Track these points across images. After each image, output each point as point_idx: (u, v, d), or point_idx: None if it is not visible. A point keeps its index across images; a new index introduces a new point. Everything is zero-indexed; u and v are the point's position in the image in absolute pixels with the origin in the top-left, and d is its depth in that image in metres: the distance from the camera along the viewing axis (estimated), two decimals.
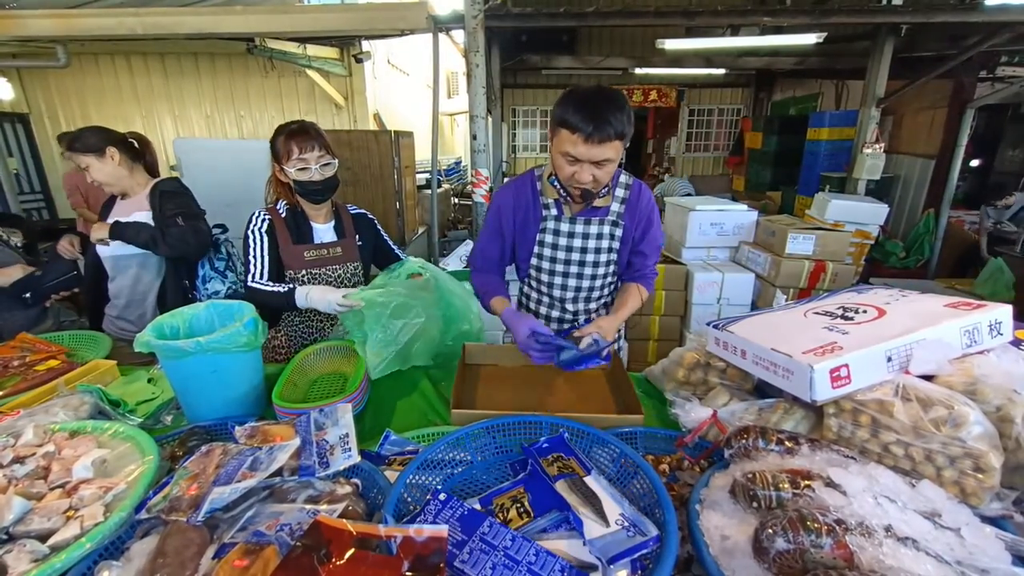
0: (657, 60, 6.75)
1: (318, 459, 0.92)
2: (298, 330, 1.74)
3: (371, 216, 1.81)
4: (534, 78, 8.09)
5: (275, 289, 1.50)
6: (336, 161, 1.57)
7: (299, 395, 1.31)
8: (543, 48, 6.88)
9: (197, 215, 1.86)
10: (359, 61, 5.77)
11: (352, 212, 1.76)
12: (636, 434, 1.10)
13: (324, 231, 1.66)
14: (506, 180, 1.68)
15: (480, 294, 1.51)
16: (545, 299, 1.59)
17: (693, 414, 1.08)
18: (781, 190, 6.87)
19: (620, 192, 1.41)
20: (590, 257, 1.45)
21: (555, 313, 1.59)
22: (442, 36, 4.43)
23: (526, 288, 1.64)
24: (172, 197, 1.84)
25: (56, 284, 1.78)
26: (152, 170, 1.94)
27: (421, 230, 5.22)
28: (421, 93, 7.99)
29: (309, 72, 5.62)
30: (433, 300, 1.45)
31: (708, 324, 1.21)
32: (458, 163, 7.73)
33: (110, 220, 1.80)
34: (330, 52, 5.65)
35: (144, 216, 1.82)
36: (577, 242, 1.43)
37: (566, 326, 1.59)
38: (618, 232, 1.43)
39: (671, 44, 5.24)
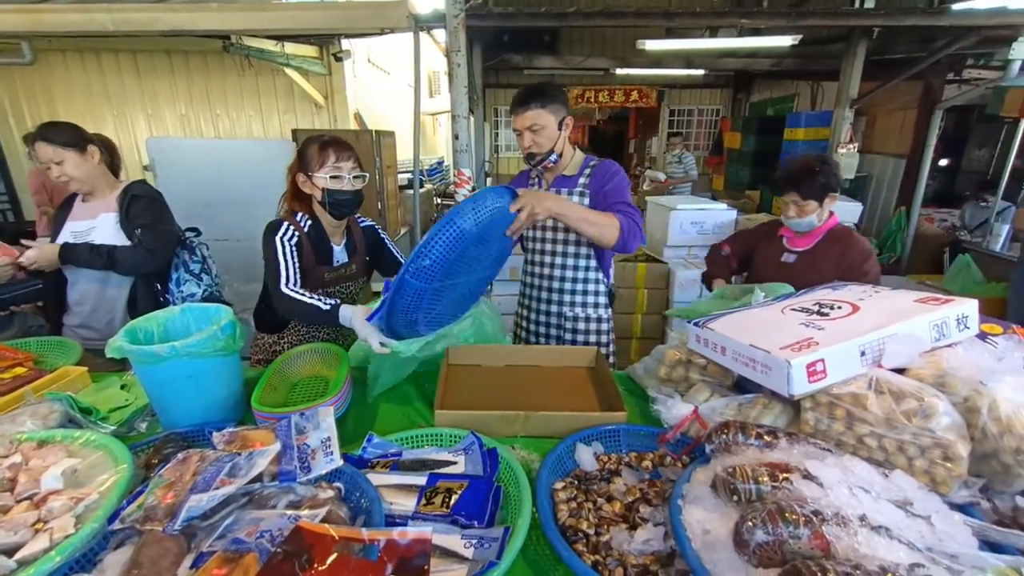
0: (638, 61, 6.82)
1: (299, 463, 0.90)
2: (304, 340, 1.68)
3: (378, 227, 1.81)
4: (516, 78, 8.09)
5: (315, 303, 1.39)
6: (367, 176, 1.57)
7: (279, 399, 1.28)
8: (525, 48, 6.89)
9: (160, 224, 1.80)
10: (339, 60, 5.69)
11: (361, 225, 1.76)
12: (619, 431, 1.11)
13: (340, 252, 1.66)
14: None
15: None
16: (545, 279, 1.80)
17: (675, 411, 1.09)
18: (760, 189, 7.00)
19: (588, 169, 1.69)
20: (561, 222, 1.63)
21: (554, 305, 1.81)
22: (423, 35, 4.40)
23: (527, 267, 1.86)
24: (138, 202, 1.79)
25: (14, 296, 1.71)
26: (115, 172, 1.91)
27: (403, 230, 5.18)
28: (402, 92, 7.91)
29: (287, 71, 5.52)
30: (465, 327, 1.44)
31: (689, 322, 1.22)
32: (440, 163, 7.68)
33: (66, 231, 1.75)
34: (309, 50, 5.57)
35: (111, 217, 1.78)
36: None
37: (566, 321, 1.80)
38: (585, 201, 1.67)
39: (651, 45, 5.30)
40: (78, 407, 1.16)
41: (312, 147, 1.50)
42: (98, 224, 1.75)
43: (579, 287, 1.78)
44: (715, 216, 3.64)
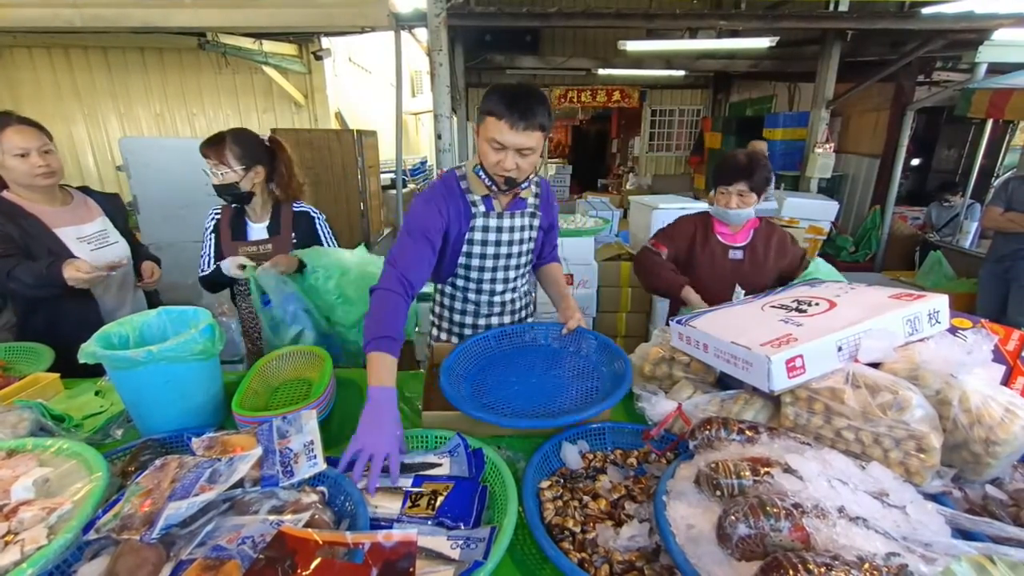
0: (619, 61, 6.86)
1: (282, 468, 0.89)
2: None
3: (315, 214, 1.85)
4: (499, 78, 8.06)
5: (209, 270, 1.77)
6: (233, 172, 1.68)
7: (260, 403, 1.26)
8: (507, 48, 6.89)
9: None
10: (319, 58, 5.61)
11: (295, 210, 1.82)
12: (604, 429, 1.11)
13: (258, 229, 1.80)
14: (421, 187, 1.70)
15: (375, 320, 1.17)
16: (471, 297, 1.56)
17: (659, 407, 1.10)
18: None
19: (534, 188, 1.52)
20: (516, 248, 1.50)
21: (469, 319, 1.59)
22: (405, 34, 4.37)
23: (448, 288, 1.58)
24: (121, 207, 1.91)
25: None
26: None
27: (387, 231, 5.14)
28: (384, 92, 7.84)
29: (266, 69, 5.43)
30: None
31: (672, 320, 1.24)
32: (423, 163, 7.64)
33: (68, 235, 1.66)
34: (288, 49, 5.48)
35: (107, 223, 1.79)
36: (505, 236, 1.47)
37: (482, 322, 1.59)
38: (536, 222, 1.53)
39: (632, 46, 5.33)
40: (50, 415, 1.12)
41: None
42: (103, 227, 1.77)
43: (519, 282, 1.61)
44: None
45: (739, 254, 1.82)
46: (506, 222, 1.45)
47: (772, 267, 1.81)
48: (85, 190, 1.82)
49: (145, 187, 3.77)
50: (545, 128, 1.25)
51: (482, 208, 1.42)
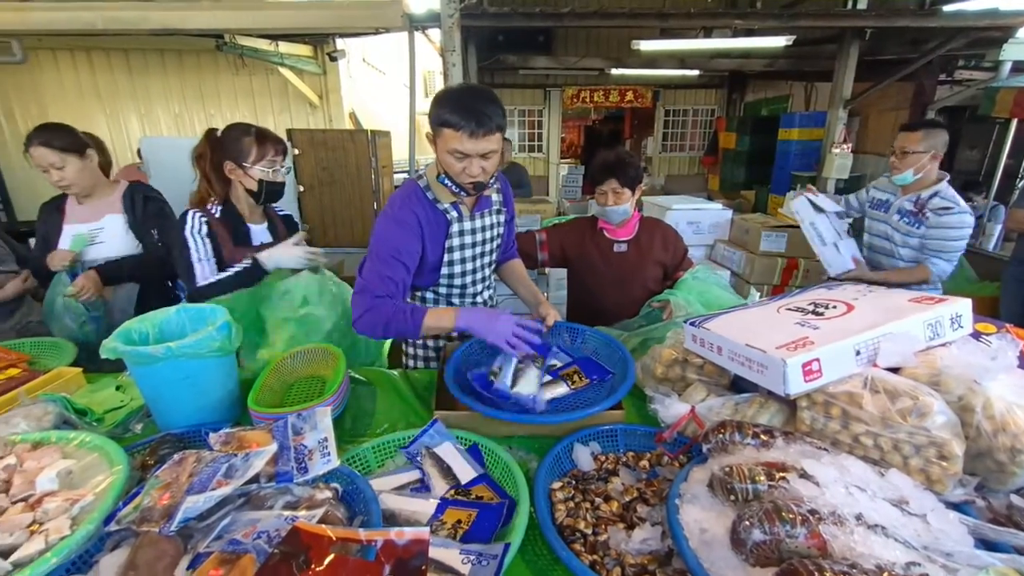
0: (633, 61, 6.83)
1: (296, 464, 0.90)
2: None
3: (296, 220, 1.86)
4: (511, 78, 8.09)
5: (235, 270, 1.52)
6: (290, 168, 1.66)
7: (275, 400, 1.28)
8: (520, 48, 6.89)
9: (175, 224, 1.85)
10: (333, 59, 5.68)
11: (280, 214, 1.80)
12: (617, 431, 1.11)
13: (260, 232, 1.69)
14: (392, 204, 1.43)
15: (393, 322, 1.29)
16: (455, 302, 1.56)
17: (672, 410, 1.09)
18: (755, 189, 7.03)
19: (496, 184, 1.53)
20: (488, 247, 1.55)
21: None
22: (419, 35, 4.40)
23: (430, 295, 1.56)
24: (152, 204, 1.87)
25: None
26: (106, 171, 1.92)
27: None
28: (398, 92, 7.90)
29: (282, 70, 5.50)
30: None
31: (686, 322, 1.23)
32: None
33: (66, 234, 1.73)
34: (303, 50, 5.55)
35: (119, 219, 1.80)
36: (479, 236, 1.50)
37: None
38: (502, 218, 1.57)
39: (646, 45, 5.31)
40: (73, 408, 1.15)
41: (246, 139, 1.56)
42: (104, 225, 1.77)
43: (490, 275, 1.64)
44: (711, 216, 3.65)
45: (624, 247, 1.95)
46: (477, 223, 1.48)
47: (657, 259, 1.95)
48: (140, 186, 1.90)
49: (164, 185, 3.81)
50: (502, 128, 1.26)
51: (455, 214, 1.42)
